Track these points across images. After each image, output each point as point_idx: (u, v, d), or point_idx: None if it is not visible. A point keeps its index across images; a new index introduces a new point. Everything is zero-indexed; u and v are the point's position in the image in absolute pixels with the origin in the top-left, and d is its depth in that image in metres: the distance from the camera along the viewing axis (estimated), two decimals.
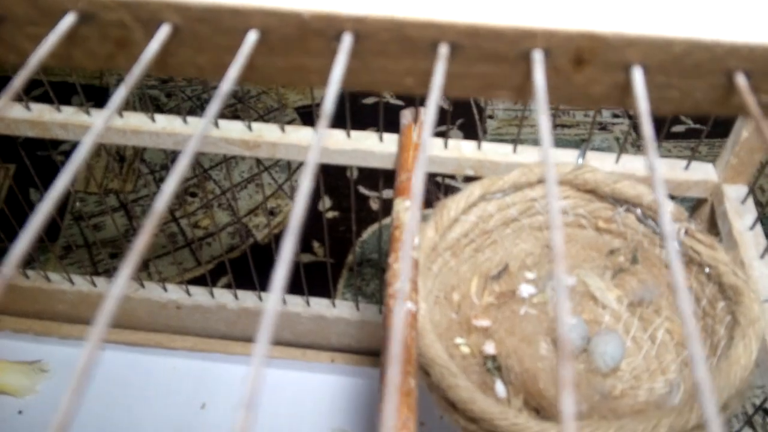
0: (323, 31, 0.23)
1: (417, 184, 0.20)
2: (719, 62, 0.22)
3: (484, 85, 0.24)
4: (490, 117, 1.39)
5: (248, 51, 0.23)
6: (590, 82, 0.23)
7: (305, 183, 0.19)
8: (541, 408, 0.53)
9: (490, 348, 0.56)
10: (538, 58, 0.22)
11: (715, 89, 0.23)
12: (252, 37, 0.23)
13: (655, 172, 0.19)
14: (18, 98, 0.66)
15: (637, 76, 0.22)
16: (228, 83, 0.22)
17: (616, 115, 1.39)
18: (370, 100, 1.39)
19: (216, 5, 0.23)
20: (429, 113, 0.21)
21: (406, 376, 0.47)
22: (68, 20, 0.24)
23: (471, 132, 1.35)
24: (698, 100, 0.23)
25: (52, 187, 0.18)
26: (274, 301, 0.15)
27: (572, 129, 1.37)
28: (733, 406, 0.48)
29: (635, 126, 1.38)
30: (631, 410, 0.53)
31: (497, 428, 0.46)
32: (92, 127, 0.20)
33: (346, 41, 0.23)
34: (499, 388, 0.54)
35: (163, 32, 0.23)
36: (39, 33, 0.24)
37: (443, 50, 0.23)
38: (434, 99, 0.22)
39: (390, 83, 0.24)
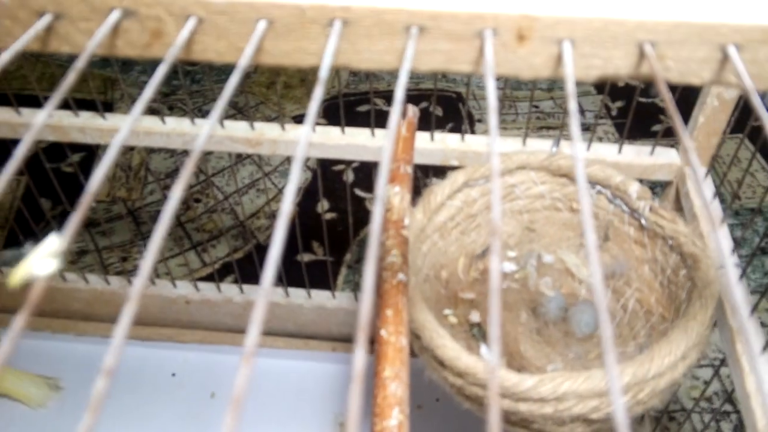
0: (318, 19, 0.29)
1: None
2: (630, 34, 0.28)
3: (447, 60, 0.30)
4: (479, 121, 1.46)
5: (259, 36, 0.29)
6: (531, 55, 0.29)
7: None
8: (521, 368, 0.59)
9: (475, 316, 0.61)
10: (488, 35, 0.28)
11: (630, 57, 0.29)
12: (262, 26, 0.29)
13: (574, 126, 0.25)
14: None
15: (566, 48, 0.28)
16: (245, 59, 0.28)
17: (600, 117, 1.45)
18: (363, 108, 1.45)
19: (233, 0, 0.29)
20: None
21: (399, 335, 0.53)
22: (114, 16, 0.30)
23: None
24: (618, 67, 0.29)
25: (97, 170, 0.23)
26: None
27: (556, 131, 1.43)
28: (691, 357, 0.53)
29: (617, 125, 1.44)
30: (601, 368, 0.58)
31: (479, 381, 0.51)
32: (137, 108, 0.26)
33: (337, 26, 0.29)
34: (484, 350, 0.60)
35: (191, 23, 0.29)
36: (90, 27, 0.30)
37: (413, 31, 0.29)
38: (406, 69, 0.28)
39: (373, 60, 0.30)
